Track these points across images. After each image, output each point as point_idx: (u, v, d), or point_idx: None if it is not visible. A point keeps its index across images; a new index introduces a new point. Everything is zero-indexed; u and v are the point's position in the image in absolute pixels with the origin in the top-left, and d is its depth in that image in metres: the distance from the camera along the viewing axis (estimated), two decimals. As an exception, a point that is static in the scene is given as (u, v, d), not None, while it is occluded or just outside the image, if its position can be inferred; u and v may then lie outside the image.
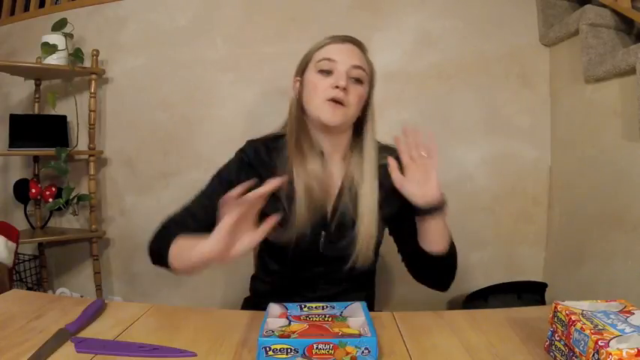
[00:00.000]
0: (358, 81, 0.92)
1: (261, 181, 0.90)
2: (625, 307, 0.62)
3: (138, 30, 1.86)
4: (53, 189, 1.80)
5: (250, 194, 0.68)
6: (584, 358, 0.54)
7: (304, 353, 0.60)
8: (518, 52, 1.71)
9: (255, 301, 1.07)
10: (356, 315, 0.70)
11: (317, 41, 0.96)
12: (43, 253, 1.93)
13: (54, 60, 1.73)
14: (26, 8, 2.00)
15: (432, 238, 0.88)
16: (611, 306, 0.62)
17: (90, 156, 1.82)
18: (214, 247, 0.68)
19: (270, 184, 0.69)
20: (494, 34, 1.71)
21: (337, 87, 0.89)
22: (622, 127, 1.26)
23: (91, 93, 1.80)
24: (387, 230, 1.01)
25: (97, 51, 1.80)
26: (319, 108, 0.91)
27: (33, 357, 0.62)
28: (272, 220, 0.69)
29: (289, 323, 0.67)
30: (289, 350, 0.60)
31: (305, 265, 0.95)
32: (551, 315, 0.63)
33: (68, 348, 0.66)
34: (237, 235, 0.69)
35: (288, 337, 0.62)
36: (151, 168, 1.87)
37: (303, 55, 0.97)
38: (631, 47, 1.19)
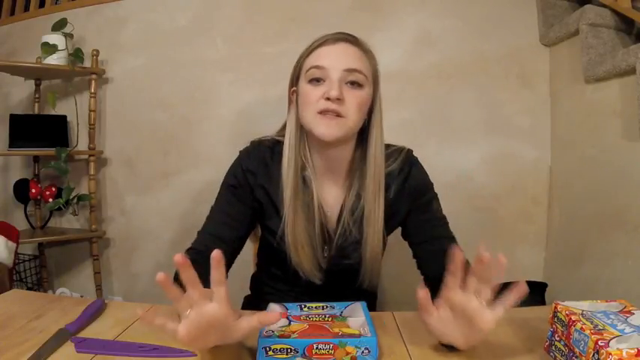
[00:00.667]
0: (356, 85, 0.82)
1: (262, 188, 0.89)
2: (625, 307, 0.62)
3: (138, 30, 1.86)
4: (53, 189, 1.80)
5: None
6: (584, 358, 0.54)
7: (304, 353, 0.60)
8: (518, 52, 1.70)
9: (256, 302, 1.07)
10: (356, 315, 0.70)
11: (308, 44, 0.87)
12: (43, 253, 1.93)
13: (54, 60, 1.73)
14: (26, 8, 2.00)
15: None
16: (611, 306, 0.62)
17: (90, 156, 1.82)
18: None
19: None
20: (494, 34, 1.71)
21: (329, 98, 0.79)
22: (622, 127, 1.26)
23: (91, 93, 1.81)
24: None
25: (97, 51, 1.80)
26: (312, 122, 0.81)
27: (33, 357, 0.62)
28: (275, 316, 0.60)
29: (289, 323, 0.67)
30: (289, 350, 0.60)
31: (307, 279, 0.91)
32: (551, 315, 0.63)
33: (68, 348, 0.66)
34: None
35: (288, 337, 0.62)
36: (151, 168, 1.87)
37: (295, 62, 0.89)
38: (631, 47, 1.19)
